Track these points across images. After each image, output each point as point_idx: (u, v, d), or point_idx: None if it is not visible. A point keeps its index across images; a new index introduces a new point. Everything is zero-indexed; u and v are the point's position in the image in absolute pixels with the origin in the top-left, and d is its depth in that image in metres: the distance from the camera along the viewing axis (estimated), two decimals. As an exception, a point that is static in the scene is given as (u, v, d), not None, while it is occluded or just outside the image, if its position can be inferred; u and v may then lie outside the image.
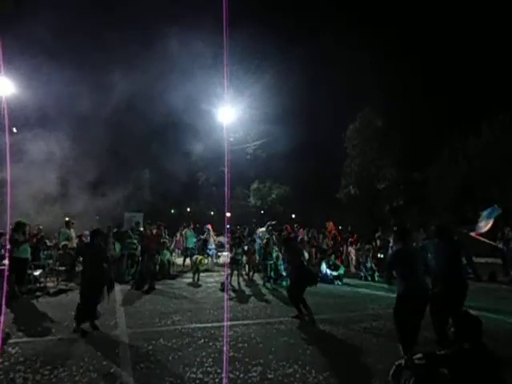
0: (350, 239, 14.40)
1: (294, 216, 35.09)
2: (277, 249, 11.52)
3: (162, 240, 12.10)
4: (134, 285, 9.66)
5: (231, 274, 10.43)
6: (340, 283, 10.98)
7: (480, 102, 24.49)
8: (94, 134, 18.46)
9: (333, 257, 11.83)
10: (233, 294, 9.00)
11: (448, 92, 25.36)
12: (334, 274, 11.15)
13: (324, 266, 11.41)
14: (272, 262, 11.06)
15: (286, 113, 29.77)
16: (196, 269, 11.04)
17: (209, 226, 14.88)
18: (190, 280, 10.87)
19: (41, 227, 12.17)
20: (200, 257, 11.61)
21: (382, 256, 13.24)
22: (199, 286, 10.25)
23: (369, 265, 12.24)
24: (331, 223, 15.24)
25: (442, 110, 25.61)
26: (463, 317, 2.90)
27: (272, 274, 10.90)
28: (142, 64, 25.65)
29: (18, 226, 8.67)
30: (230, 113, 21.91)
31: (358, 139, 29.94)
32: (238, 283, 10.37)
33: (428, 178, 26.13)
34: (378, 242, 14.14)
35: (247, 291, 9.57)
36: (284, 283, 10.32)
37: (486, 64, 25.48)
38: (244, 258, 12.20)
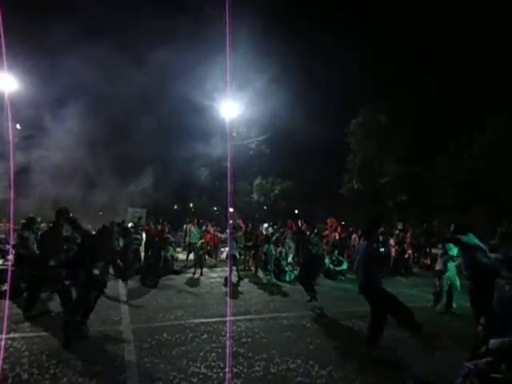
0: (354, 235, 14.37)
1: (296, 211, 35.04)
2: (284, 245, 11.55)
3: (165, 236, 12.17)
4: (140, 280, 9.75)
5: (231, 270, 10.44)
6: (343, 278, 10.99)
7: (484, 97, 24.30)
8: (98, 131, 18.53)
9: (336, 252, 11.83)
10: (236, 289, 9.01)
11: (452, 87, 25.15)
12: (337, 269, 11.16)
13: (327, 262, 11.42)
14: (273, 256, 11.05)
15: (289, 108, 29.61)
16: (199, 260, 11.16)
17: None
18: (194, 275, 10.92)
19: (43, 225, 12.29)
20: (200, 241, 11.71)
21: (382, 250, 13.25)
22: (202, 281, 10.28)
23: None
24: (333, 219, 15.20)
25: (445, 104, 25.41)
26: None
27: (269, 267, 10.85)
28: (145, 59, 25.68)
29: (31, 223, 8.69)
30: (232, 108, 21.88)
31: (360, 134, 29.76)
32: (239, 278, 10.39)
33: (432, 174, 25.99)
34: (381, 237, 14.12)
35: (250, 287, 9.60)
36: (287, 278, 10.34)
37: (490, 58, 25.25)
38: (247, 254, 12.28)
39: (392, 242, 13.54)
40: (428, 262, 13.72)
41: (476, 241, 5.27)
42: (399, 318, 4.80)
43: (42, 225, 12.60)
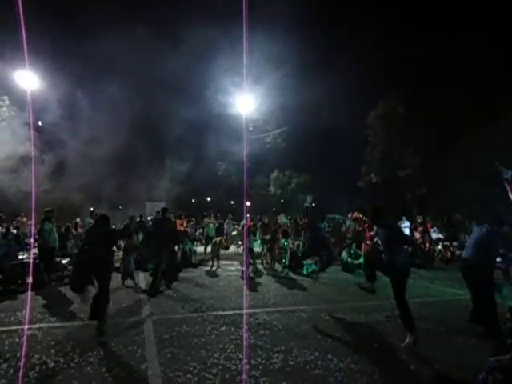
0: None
1: (314, 205, 34.90)
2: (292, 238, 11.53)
3: (183, 229, 12.31)
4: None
5: (249, 263, 10.48)
6: (361, 271, 10.90)
7: (504, 87, 23.41)
8: (118, 127, 18.83)
9: (354, 245, 11.73)
10: (253, 282, 9.06)
11: (470, 76, 24.28)
12: (355, 262, 11.09)
13: (345, 255, 11.35)
14: (287, 249, 11.06)
15: (305, 101, 29.37)
16: (216, 253, 11.26)
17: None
18: (212, 268, 11.04)
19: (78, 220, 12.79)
20: (219, 238, 11.79)
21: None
22: (220, 274, 10.37)
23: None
24: (356, 213, 14.98)
25: (464, 94, 24.64)
26: None
27: (286, 261, 10.88)
28: (162, 54, 25.85)
29: (50, 215, 8.93)
30: (249, 102, 21.85)
31: (379, 126, 29.30)
32: (256, 271, 10.42)
33: (453, 165, 25.34)
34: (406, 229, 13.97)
35: (268, 280, 9.63)
36: (304, 272, 10.33)
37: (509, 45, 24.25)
38: (265, 247, 12.31)
39: (417, 235, 13.34)
40: (448, 255, 13.49)
41: None
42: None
43: (77, 219, 13.09)
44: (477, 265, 5.23)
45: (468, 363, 4.10)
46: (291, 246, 11.63)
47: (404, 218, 14.76)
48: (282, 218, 13.76)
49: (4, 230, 11.24)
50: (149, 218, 13.09)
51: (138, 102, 24.16)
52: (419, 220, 14.55)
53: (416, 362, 4.25)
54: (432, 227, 14.36)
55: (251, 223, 12.82)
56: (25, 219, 14.46)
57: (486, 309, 5.12)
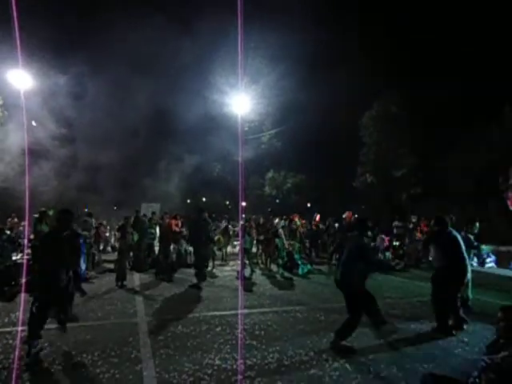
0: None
1: (309, 205, 34.96)
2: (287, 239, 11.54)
3: (179, 230, 12.25)
4: (155, 274, 9.85)
5: (243, 263, 10.45)
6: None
7: (501, 87, 23.58)
8: (114, 126, 18.75)
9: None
10: (249, 283, 9.06)
11: (468, 77, 24.51)
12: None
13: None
14: (284, 250, 11.06)
15: (301, 101, 29.42)
16: (211, 253, 11.25)
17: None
18: (207, 268, 11.01)
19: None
20: (217, 236, 11.78)
21: (396, 244, 13.16)
22: (216, 274, 10.36)
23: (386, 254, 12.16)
24: (349, 213, 15.01)
25: (462, 94, 24.81)
26: None
27: (281, 261, 10.88)
28: (156, 53, 25.80)
29: (44, 216, 8.88)
30: (244, 102, 21.83)
31: (374, 127, 29.39)
32: (252, 271, 10.40)
33: (448, 166, 25.46)
34: (395, 230, 14.02)
35: (264, 280, 9.63)
36: (300, 272, 10.34)
37: (507, 47, 24.43)
38: (260, 247, 12.29)
39: (418, 235, 13.36)
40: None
41: None
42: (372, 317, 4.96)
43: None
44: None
45: (462, 362, 4.14)
46: (286, 246, 11.62)
47: (398, 217, 14.84)
48: (295, 219, 13.72)
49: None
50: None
51: (132, 103, 24.07)
52: (413, 220, 14.62)
53: (411, 362, 4.27)
54: (427, 227, 14.41)
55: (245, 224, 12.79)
56: (16, 220, 14.33)
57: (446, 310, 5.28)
